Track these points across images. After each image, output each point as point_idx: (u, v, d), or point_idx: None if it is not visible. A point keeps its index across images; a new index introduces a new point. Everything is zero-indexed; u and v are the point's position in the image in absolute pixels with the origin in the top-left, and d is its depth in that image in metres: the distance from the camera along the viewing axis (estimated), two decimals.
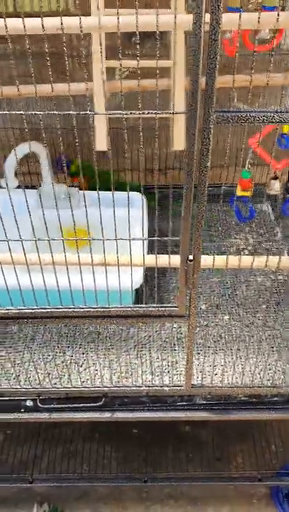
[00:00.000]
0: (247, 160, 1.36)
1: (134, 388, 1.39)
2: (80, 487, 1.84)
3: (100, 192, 0.96)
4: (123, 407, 1.42)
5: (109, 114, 0.91)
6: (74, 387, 1.39)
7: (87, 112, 0.85)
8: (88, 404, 1.41)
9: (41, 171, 1.70)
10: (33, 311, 1.16)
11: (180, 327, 1.55)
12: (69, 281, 1.10)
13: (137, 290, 1.50)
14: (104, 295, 1.14)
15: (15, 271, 1.10)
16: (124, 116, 0.86)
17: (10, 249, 1.06)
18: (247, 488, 1.85)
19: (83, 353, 1.49)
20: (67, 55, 0.83)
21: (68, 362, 1.47)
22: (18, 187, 1.57)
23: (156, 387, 1.39)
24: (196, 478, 1.77)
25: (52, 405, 1.41)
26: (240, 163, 1.33)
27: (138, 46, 0.77)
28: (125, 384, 1.40)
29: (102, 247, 1.08)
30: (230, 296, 1.66)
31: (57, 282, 1.10)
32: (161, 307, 1.17)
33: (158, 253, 1.13)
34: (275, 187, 1.40)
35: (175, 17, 0.84)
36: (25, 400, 1.42)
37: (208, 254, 1.16)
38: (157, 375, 1.42)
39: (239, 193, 1.35)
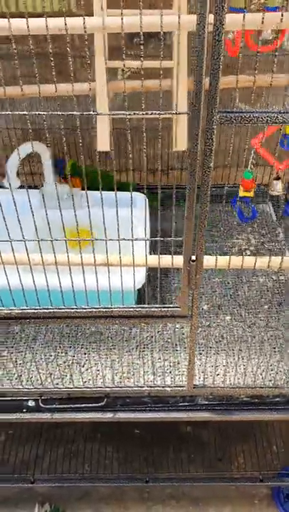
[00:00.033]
0: (249, 160, 1.36)
1: (136, 388, 1.39)
2: (82, 487, 1.84)
3: (102, 192, 0.96)
4: (125, 408, 1.42)
5: (113, 114, 0.91)
6: (76, 388, 1.39)
7: (91, 112, 0.85)
8: (90, 405, 1.41)
9: (43, 171, 1.70)
10: (35, 311, 1.16)
11: (182, 327, 1.55)
12: (71, 282, 1.10)
13: (139, 290, 1.50)
14: (107, 295, 1.14)
15: (18, 271, 1.10)
16: (128, 116, 0.86)
17: (13, 250, 1.06)
18: (248, 488, 1.85)
19: (85, 353, 1.49)
20: (70, 56, 0.83)
21: (70, 362, 1.47)
22: (20, 187, 1.57)
23: (158, 388, 1.39)
24: (197, 479, 1.77)
25: (54, 405, 1.41)
26: (243, 164, 1.33)
27: (142, 47, 0.77)
28: (127, 384, 1.40)
29: (103, 247, 1.08)
30: (231, 296, 1.66)
31: (60, 282, 1.10)
32: (163, 307, 1.17)
33: (160, 253, 1.13)
34: (278, 187, 1.40)
35: (179, 18, 0.84)
36: (27, 400, 1.42)
37: (210, 254, 1.16)
38: (159, 376, 1.42)
39: (241, 193, 1.36)
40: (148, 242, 1.48)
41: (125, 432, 1.90)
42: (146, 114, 0.85)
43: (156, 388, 1.39)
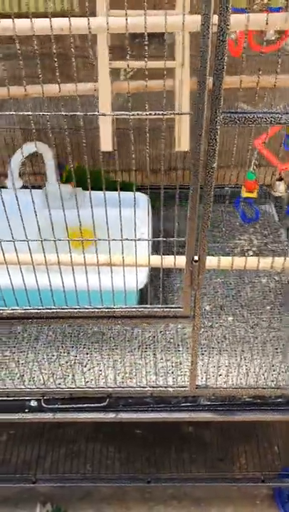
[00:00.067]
0: (252, 161, 1.36)
1: (138, 389, 1.39)
2: (84, 487, 1.84)
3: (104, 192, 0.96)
4: (127, 408, 1.42)
5: (116, 114, 0.91)
6: (78, 388, 1.39)
7: (95, 112, 0.85)
8: (92, 405, 1.41)
9: (46, 171, 1.70)
10: (38, 311, 1.16)
11: (184, 328, 1.55)
12: (74, 282, 1.10)
13: (141, 290, 1.50)
14: (109, 295, 1.14)
15: (21, 271, 1.10)
16: (131, 117, 0.86)
17: (16, 250, 1.06)
18: (250, 489, 1.85)
19: (87, 353, 1.49)
20: (71, 56, 0.83)
21: (72, 362, 1.47)
22: (22, 187, 1.57)
23: (161, 388, 1.39)
24: (199, 479, 1.77)
25: (56, 405, 1.41)
26: (246, 164, 1.33)
27: (146, 47, 0.77)
28: (129, 384, 1.40)
29: (105, 247, 1.08)
30: (234, 297, 1.66)
31: (62, 282, 1.10)
32: (166, 308, 1.17)
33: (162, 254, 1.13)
34: (280, 188, 1.40)
35: (183, 18, 0.84)
36: (29, 400, 1.42)
37: (212, 255, 1.16)
38: (161, 376, 1.42)
39: (244, 194, 1.35)
40: (150, 243, 1.48)
41: (127, 432, 1.90)
42: (150, 114, 0.85)
43: (158, 388, 1.39)
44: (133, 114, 0.86)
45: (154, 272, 1.49)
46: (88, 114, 0.86)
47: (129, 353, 1.49)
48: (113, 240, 1.05)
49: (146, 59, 0.79)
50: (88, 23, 0.79)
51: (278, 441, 1.88)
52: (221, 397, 1.42)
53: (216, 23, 0.76)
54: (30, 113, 0.86)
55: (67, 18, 0.82)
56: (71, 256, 1.10)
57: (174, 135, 1.45)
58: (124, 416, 1.42)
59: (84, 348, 1.51)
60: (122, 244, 1.06)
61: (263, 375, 1.41)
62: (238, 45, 1.24)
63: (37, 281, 1.10)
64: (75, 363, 1.47)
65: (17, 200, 0.96)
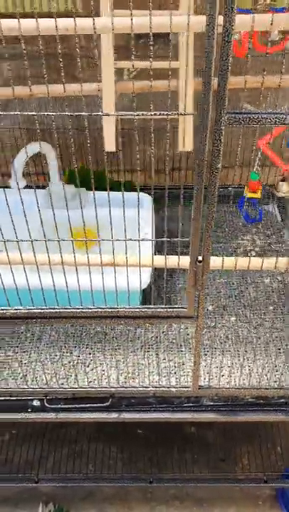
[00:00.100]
0: (256, 161, 1.36)
1: (141, 389, 1.39)
2: (86, 487, 1.84)
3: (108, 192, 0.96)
4: (130, 408, 1.42)
5: (120, 115, 0.91)
6: (81, 388, 1.39)
7: (99, 112, 0.85)
8: (95, 405, 1.41)
9: (49, 171, 1.70)
10: (41, 311, 1.16)
11: (187, 328, 1.55)
12: (78, 281, 1.10)
13: (144, 290, 1.50)
14: (112, 295, 1.14)
15: (24, 271, 1.10)
16: (136, 117, 0.86)
17: (20, 249, 1.07)
18: (253, 489, 1.85)
19: (90, 353, 1.49)
20: (76, 56, 0.83)
21: (75, 362, 1.47)
22: (26, 187, 1.57)
23: (163, 388, 1.39)
24: (201, 480, 1.77)
25: (59, 405, 1.41)
26: (250, 165, 1.33)
27: (151, 47, 0.77)
28: (132, 385, 1.40)
29: (109, 247, 1.08)
30: (236, 297, 1.65)
31: (66, 282, 1.10)
32: (169, 308, 1.17)
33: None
34: (284, 189, 1.40)
35: (188, 18, 0.84)
36: (32, 400, 1.42)
37: (215, 255, 1.16)
38: (164, 376, 1.42)
39: (248, 194, 1.35)
40: (154, 243, 1.48)
41: (130, 432, 1.91)
42: (155, 114, 0.85)
43: (161, 389, 1.39)
44: (138, 115, 0.86)
45: (157, 273, 1.49)
46: (92, 114, 0.86)
47: (131, 353, 1.49)
48: (117, 240, 1.05)
49: (151, 59, 0.79)
50: (93, 24, 0.79)
51: (281, 441, 1.88)
52: (224, 398, 1.42)
53: (221, 24, 0.76)
54: (34, 113, 0.86)
55: (73, 18, 0.82)
56: (75, 256, 1.10)
57: (178, 135, 1.45)
58: (127, 416, 1.42)
59: (87, 348, 1.51)
60: (126, 245, 1.06)
61: (266, 375, 1.41)
62: (242, 45, 1.24)
63: (40, 281, 1.10)
64: (77, 362, 1.47)
65: (21, 199, 0.96)
